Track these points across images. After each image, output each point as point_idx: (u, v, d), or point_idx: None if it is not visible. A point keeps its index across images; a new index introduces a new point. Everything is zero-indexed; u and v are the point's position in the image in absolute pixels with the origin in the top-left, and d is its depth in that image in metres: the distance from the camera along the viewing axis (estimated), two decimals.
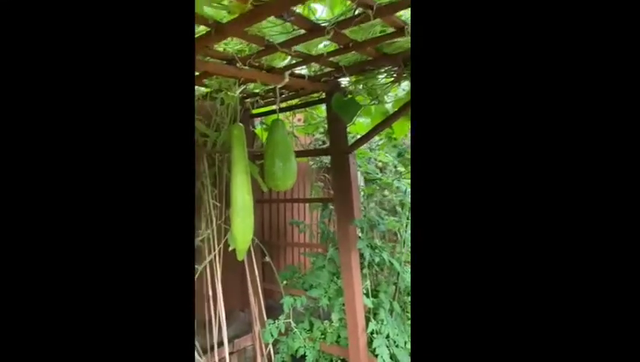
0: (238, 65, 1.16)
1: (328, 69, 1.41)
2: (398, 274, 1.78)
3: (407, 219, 1.84)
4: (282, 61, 1.33)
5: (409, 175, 1.93)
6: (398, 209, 1.97)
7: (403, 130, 1.64)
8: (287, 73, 1.31)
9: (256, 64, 1.25)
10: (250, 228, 1.40)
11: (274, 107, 1.97)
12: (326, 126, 2.10)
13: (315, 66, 1.45)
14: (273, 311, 2.29)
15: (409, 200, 1.84)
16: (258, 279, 1.96)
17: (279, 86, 1.37)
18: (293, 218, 2.43)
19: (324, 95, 1.70)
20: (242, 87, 1.52)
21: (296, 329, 1.83)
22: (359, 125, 1.75)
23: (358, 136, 1.69)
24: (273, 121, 1.39)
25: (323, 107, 2.01)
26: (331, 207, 2.02)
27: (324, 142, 2.30)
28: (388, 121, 1.43)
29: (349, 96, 1.47)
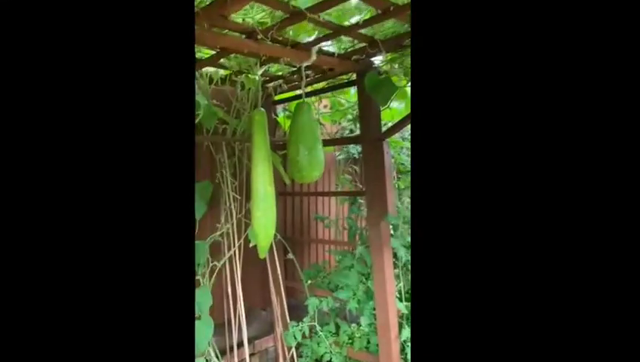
0: (259, 37, 1.01)
1: (361, 45, 1.24)
2: None
3: None
4: (309, 36, 1.18)
5: None
6: None
7: None
8: (314, 49, 1.15)
9: (280, 38, 1.09)
10: (272, 222, 1.26)
11: (298, 92, 1.82)
12: (354, 113, 1.93)
13: (345, 43, 1.29)
14: (296, 310, 2.17)
15: None
16: (280, 277, 1.84)
17: (305, 65, 1.21)
18: (318, 212, 2.28)
19: (354, 77, 1.54)
20: (264, 68, 1.37)
21: (321, 333, 1.69)
22: (393, 111, 1.58)
23: (391, 125, 1.52)
24: (298, 104, 1.23)
25: (352, 91, 1.84)
26: (361, 201, 1.86)
27: (351, 131, 2.13)
28: None
29: (384, 75, 1.30)
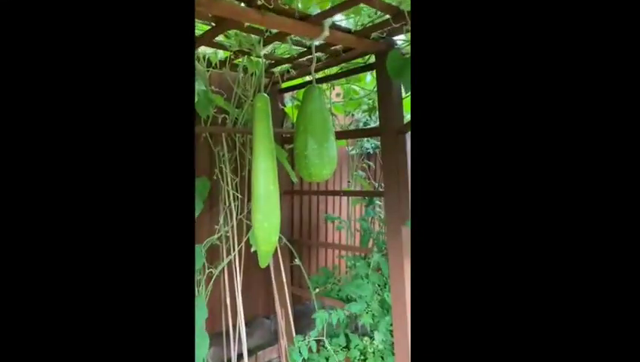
0: (259, 2, 0.82)
1: (382, 19, 1.05)
2: None
3: None
4: (320, 7, 0.99)
5: None
6: None
7: None
8: (326, 22, 0.96)
9: (286, 8, 0.91)
10: (275, 227, 1.08)
11: (308, 78, 1.63)
12: (370, 102, 1.74)
13: (363, 17, 1.09)
14: (303, 317, 2.00)
15: None
16: (285, 283, 1.66)
17: (317, 43, 1.03)
18: (327, 212, 2.10)
19: (372, 60, 1.34)
20: (268, 49, 1.19)
21: (330, 347, 1.52)
22: None
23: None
24: (307, 89, 1.04)
25: (368, 78, 1.65)
26: (378, 202, 1.67)
27: (365, 124, 1.94)
28: None
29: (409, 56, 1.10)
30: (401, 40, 1.21)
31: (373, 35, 1.13)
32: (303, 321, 1.99)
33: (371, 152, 2.09)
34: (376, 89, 1.59)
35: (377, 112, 1.85)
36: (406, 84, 1.07)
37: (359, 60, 1.41)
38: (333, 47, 1.28)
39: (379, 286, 1.39)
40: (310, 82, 1.46)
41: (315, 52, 1.32)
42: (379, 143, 2.02)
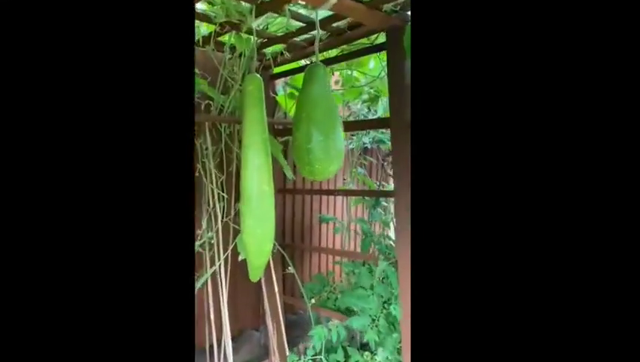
0: None
1: None
2: None
3: None
4: None
5: None
6: None
7: None
8: None
9: None
10: (269, 235, 0.90)
11: (303, 62, 1.45)
12: (372, 90, 1.57)
13: None
14: (296, 327, 1.83)
15: None
16: (277, 293, 1.48)
17: (322, 8, 0.84)
18: (321, 212, 1.92)
19: (381, 39, 1.17)
20: (260, 21, 1.00)
21: None
22: None
23: None
24: (311, 68, 0.86)
25: (371, 65, 1.48)
26: (384, 203, 1.50)
27: (364, 117, 1.77)
28: None
29: None
30: None
31: (386, 7, 0.96)
32: (295, 331, 1.82)
33: (369, 147, 1.93)
34: (381, 75, 1.43)
35: (378, 104, 1.69)
36: None
37: (363, 41, 1.24)
38: (335, 24, 1.11)
39: (384, 300, 1.23)
40: (308, 65, 1.29)
41: (314, 30, 1.14)
42: (379, 137, 1.86)
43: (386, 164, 2.20)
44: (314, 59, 1.43)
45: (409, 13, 1.02)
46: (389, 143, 1.87)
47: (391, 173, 2.30)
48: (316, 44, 0.87)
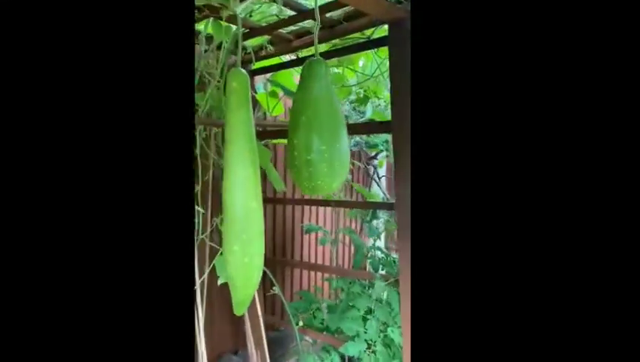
0: None
1: None
2: None
3: None
4: None
5: None
6: None
7: None
8: None
9: None
10: (258, 264, 0.76)
11: (287, 57, 1.30)
12: (362, 91, 1.45)
13: None
14: (278, 345, 1.69)
15: None
16: (260, 314, 1.33)
17: None
18: (304, 222, 1.78)
19: (378, 33, 1.05)
20: (245, 5, 0.85)
21: None
22: None
23: None
24: (311, 64, 0.71)
25: (361, 63, 1.35)
26: (382, 217, 1.37)
27: (347, 118, 1.65)
28: None
29: None
30: None
31: None
32: (277, 351, 1.67)
33: (353, 150, 1.81)
34: (372, 74, 1.31)
35: (367, 105, 1.57)
36: None
37: (357, 36, 1.12)
38: (329, 14, 0.97)
39: (383, 322, 1.11)
40: (288, 65, 1.14)
41: (305, 20, 1.00)
42: (365, 140, 1.74)
43: (369, 167, 2.10)
44: (300, 54, 1.29)
45: None
46: (377, 146, 1.76)
47: (375, 176, 2.20)
48: (315, 34, 0.73)
